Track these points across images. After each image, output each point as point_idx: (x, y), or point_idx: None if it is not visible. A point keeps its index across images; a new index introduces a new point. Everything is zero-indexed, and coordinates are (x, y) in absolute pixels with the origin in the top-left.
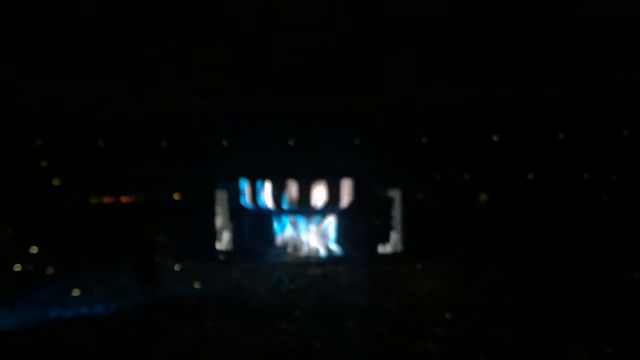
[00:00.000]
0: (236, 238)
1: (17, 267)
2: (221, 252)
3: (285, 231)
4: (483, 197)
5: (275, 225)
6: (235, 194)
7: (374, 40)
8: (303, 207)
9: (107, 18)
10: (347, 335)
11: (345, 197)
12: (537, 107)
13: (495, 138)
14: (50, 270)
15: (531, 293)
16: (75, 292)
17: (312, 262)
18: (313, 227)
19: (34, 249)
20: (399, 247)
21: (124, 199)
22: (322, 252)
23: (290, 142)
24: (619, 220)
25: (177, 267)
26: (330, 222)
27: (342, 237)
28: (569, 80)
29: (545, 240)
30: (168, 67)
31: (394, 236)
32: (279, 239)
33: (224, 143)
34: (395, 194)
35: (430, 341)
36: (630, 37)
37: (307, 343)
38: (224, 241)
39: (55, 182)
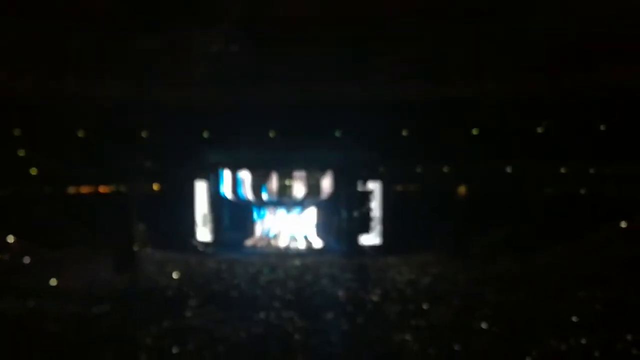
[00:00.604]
0: (216, 229)
1: None
2: (201, 242)
3: (265, 222)
4: (462, 189)
5: (255, 216)
6: (215, 185)
7: (357, 34)
8: (283, 199)
9: (88, 7)
10: (326, 326)
11: (326, 189)
12: (516, 101)
13: (474, 132)
14: (27, 260)
15: (510, 285)
16: (53, 282)
17: (291, 253)
18: (293, 219)
19: (10, 239)
20: (379, 239)
21: (102, 189)
22: (302, 243)
23: (272, 134)
24: (600, 214)
25: (156, 257)
26: (311, 214)
27: (322, 228)
28: (549, 74)
29: (525, 233)
30: (149, 57)
31: (374, 228)
32: (259, 230)
33: (205, 134)
34: (375, 187)
35: (409, 332)
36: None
37: (287, 334)
38: (203, 232)
39: (33, 171)
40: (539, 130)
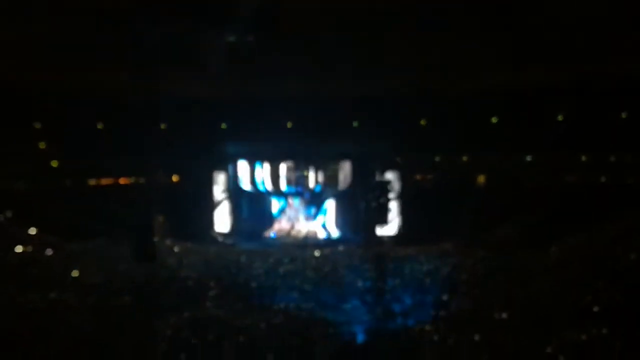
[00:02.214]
0: (234, 220)
1: (18, 249)
2: (220, 233)
3: (284, 213)
4: (481, 179)
5: (273, 207)
6: (233, 177)
7: (373, 24)
8: (301, 190)
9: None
10: (345, 317)
11: (344, 179)
12: (534, 90)
13: (493, 120)
14: (49, 252)
15: (530, 275)
16: (75, 273)
17: (310, 244)
18: (312, 209)
19: (32, 231)
20: (397, 230)
21: (122, 181)
22: (321, 234)
23: (289, 125)
24: (621, 203)
25: (176, 249)
26: (329, 205)
27: (340, 219)
28: (569, 64)
29: (545, 223)
30: (168, 50)
31: (392, 219)
32: (277, 221)
33: (222, 126)
34: (393, 177)
35: (428, 322)
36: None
37: (306, 324)
38: (222, 223)
39: (54, 163)
40: (559, 117)
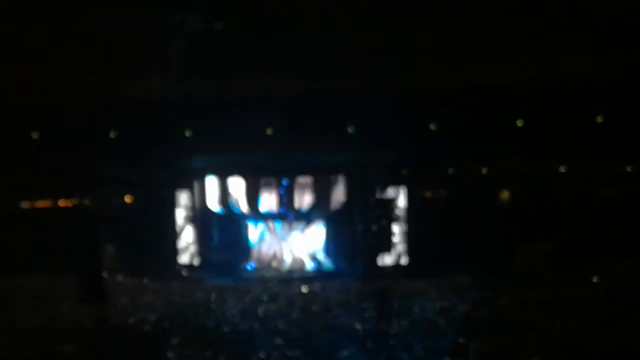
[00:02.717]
0: (203, 249)
1: None
2: (184, 266)
3: (263, 240)
4: (504, 195)
5: (250, 233)
6: (200, 196)
7: (370, 12)
8: (285, 211)
9: None
10: None
11: (337, 197)
12: (568, 86)
13: (519, 123)
14: None
15: (564, 311)
16: (6, 317)
17: (296, 277)
18: (297, 235)
19: None
20: (404, 259)
21: (63, 203)
22: (309, 265)
23: (269, 132)
24: None
25: (129, 286)
26: (318, 229)
27: (333, 246)
28: (614, 54)
29: (581, 247)
30: (118, 40)
31: (397, 245)
32: (256, 249)
33: (187, 133)
34: (398, 193)
35: None
36: None
37: None
38: (187, 253)
39: None
40: (599, 120)
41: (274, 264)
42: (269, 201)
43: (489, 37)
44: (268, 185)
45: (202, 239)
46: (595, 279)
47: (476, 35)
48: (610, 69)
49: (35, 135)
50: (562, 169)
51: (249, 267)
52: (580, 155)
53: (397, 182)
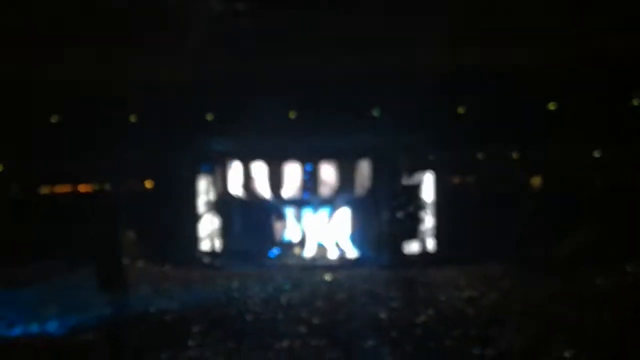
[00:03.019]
0: (224, 236)
1: None
2: (206, 253)
3: (286, 227)
4: (536, 181)
5: (274, 219)
6: (222, 181)
7: None
8: (308, 197)
9: None
10: (365, 357)
11: (362, 183)
12: (603, 67)
13: (551, 107)
14: None
15: (599, 303)
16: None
17: (320, 265)
18: (321, 222)
19: None
20: (431, 246)
21: (82, 189)
22: (333, 253)
23: (292, 115)
24: None
25: (150, 273)
26: (343, 215)
27: (358, 233)
28: None
29: (618, 236)
30: (136, 22)
31: (425, 232)
32: (278, 236)
33: (208, 117)
34: (426, 179)
35: None
36: None
37: None
38: (209, 240)
39: None
40: (635, 102)
41: (297, 251)
42: (292, 187)
43: (517, 17)
44: (291, 170)
45: (224, 225)
46: (630, 269)
47: (505, 16)
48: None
49: (54, 120)
50: (596, 154)
51: (271, 255)
52: (615, 139)
53: (424, 167)
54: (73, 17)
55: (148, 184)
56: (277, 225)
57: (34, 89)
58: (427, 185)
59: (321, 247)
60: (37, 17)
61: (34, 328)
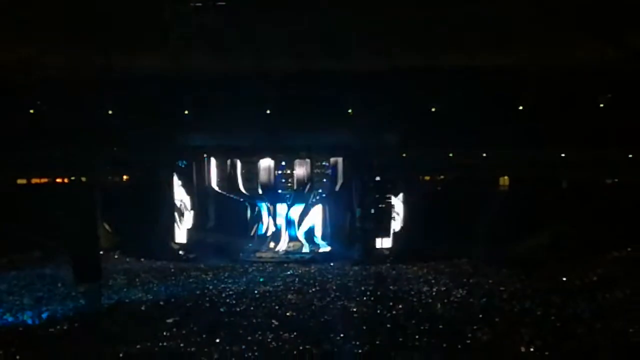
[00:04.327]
0: (200, 229)
1: None
2: (181, 246)
3: (261, 221)
4: (504, 180)
5: (248, 214)
6: (199, 176)
7: None
8: (283, 192)
9: None
10: (336, 351)
11: (335, 180)
12: (571, 70)
13: (520, 107)
14: None
15: (566, 299)
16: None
17: (292, 259)
18: (295, 217)
19: None
20: (402, 243)
21: (60, 180)
22: (306, 247)
23: (268, 111)
24: None
25: (126, 265)
26: (317, 211)
27: (331, 229)
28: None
29: (583, 233)
30: (117, 17)
31: (396, 228)
32: (253, 230)
33: (186, 112)
34: (396, 177)
35: (440, 357)
36: None
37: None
38: (184, 233)
39: None
40: (601, 105)
41: (271, 245)
42: (266, 182)
43: (490, 20)
44: (266, 167)
45: (199, 219)
46: (596, 267)
47: (479, 18)
48: (612, 54)
49: (32, 112)
50: (561, 154)
51: (245, 248)
52: (582, 139)
53: (396, 165)
54: (54, 15)
55: (125, 178)
56: (252, 219)
57: (14, 82)
58: (399, 183)
59: (294, 242)
60: (18, 15)
61: (10, 318)
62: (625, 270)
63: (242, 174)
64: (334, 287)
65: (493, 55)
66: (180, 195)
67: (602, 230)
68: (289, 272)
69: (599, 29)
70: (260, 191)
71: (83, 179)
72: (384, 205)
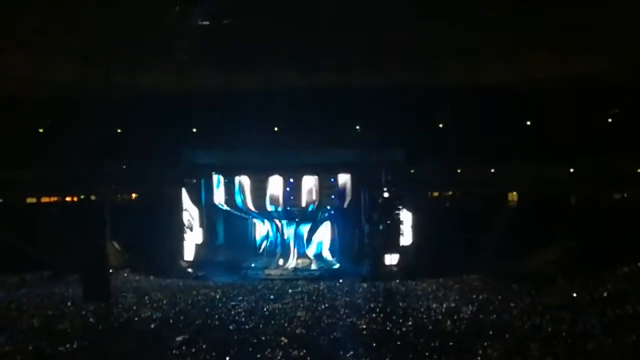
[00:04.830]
0: (208, 247)
1: None
2: (189, 263)
3: (269, 238)
4: (513, 195)
5: (257, 231)
6: (206, 194)
7: (376, 8)
8: (291, 210)
9: None
10: None
11: (344, 196)
12: (577, 84)
13: (528, 122)
14: None
15: (575, 314)
16: (11, 314)
17: (301, 277)
18: (303, 233)
19: None
20: (411, 259)
21: (69, 199)
22: (315, 264)
23: (276, 129)
24: None
25: (135, 283)
26: (325, 227)
27: (340, 245)
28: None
29: (592, 249)
30: (126, 34)
31: (404, 245)
32: (262, 248)
33: (194, 130)
34: (405, 193)
35: None
36: None
37: None
38: (192, 250)
39: None
40: (610, 120)
41: (280, 262)
42: (275, 199)
43: (496, 36)
44: (275, 184)
45: (207, 237)
46: (605, 282)
47: (483, 34)
48: (620, 68)
49: (41, 130)
50: (570, 170)
51: (254, 266)
52: (590, 154)
53: (404, 182)
54: (61, 32)
55: (133, 196)
56: (260, 237)
57: (22, 100)
58: (407, 199)
59: (303, 259)
60: (24, 30)
61: (22, 335)
62: (635, 285)
63: (250, 191)
64: (343, 304)
65: (502, 71)
66: (189, 213)
67: (612, 246)
68: (297, 289)
69: (607, 43)
70: (268, 208)
71: (92, 197)
72: (392, 222)
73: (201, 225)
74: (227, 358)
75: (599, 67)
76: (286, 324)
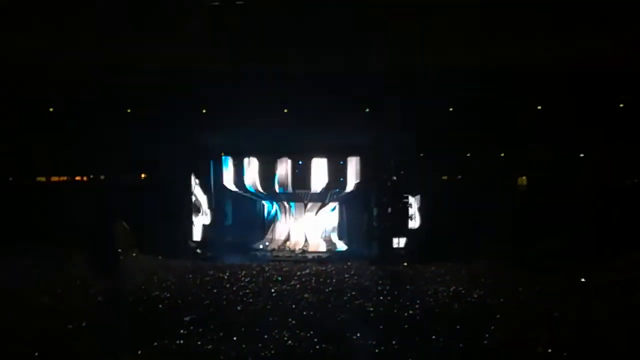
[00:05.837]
0: (217, 228)
1: None
2: (198, 244)
3: (278, 220)
4: (522, 180)
5: (265, 213)
6: (216, 175)
7: None
8: (299, 191)
9: None
10: (353, 350)
11: (352, 178)
12: (589, 68)
13: (538, 107)
14: None
15: (583, 300)
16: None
17: (309, 259)
18: (311, 216)
19: None
20: (418, 242)
21: (78, 178)
22: (322, 246)
23: (285, 110)
24: None
25: (143, 262)
26: (333, 210)
27: (347, 228)
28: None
29: (602, 235)
30: (133, 11)
31: (412, 228)
32: (270, 229)
33: (203, 110)
34: (414, 176)
35: (456, 357)
36: None
37: (304, 358)
38: (201, 231)
39: None
40: (621, 104)
41: (288, 244)
42: (284, 181)
43: (505, 16)
44: (283, 165)
45: (217, 218)
46: (615, 268)
47: (494, 15)
48: (630, 52)
49: (50, 109)
50: (580, 155)
51: (262, 247)
52: (600, 140)
53: (413, 165)
54: (73, 11)
55: (142, 176)
56: (268, 218)
57: (32, 79)
58: (416, 183)
59: (311, 241)
60: (38, 8)
61: (29, 314)
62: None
63: (259, 173)
64: (350, 287)
65: (512, 54)
66: (198, 194)
67: (622, 232)
68: (305, 271)
69: (624, 27)
70: (277, 190)
71: (102, 177)
72: (401, 205)
73: (210, 207)
74: (235, 338)
75: (614, 52)
76: (293, 306)
